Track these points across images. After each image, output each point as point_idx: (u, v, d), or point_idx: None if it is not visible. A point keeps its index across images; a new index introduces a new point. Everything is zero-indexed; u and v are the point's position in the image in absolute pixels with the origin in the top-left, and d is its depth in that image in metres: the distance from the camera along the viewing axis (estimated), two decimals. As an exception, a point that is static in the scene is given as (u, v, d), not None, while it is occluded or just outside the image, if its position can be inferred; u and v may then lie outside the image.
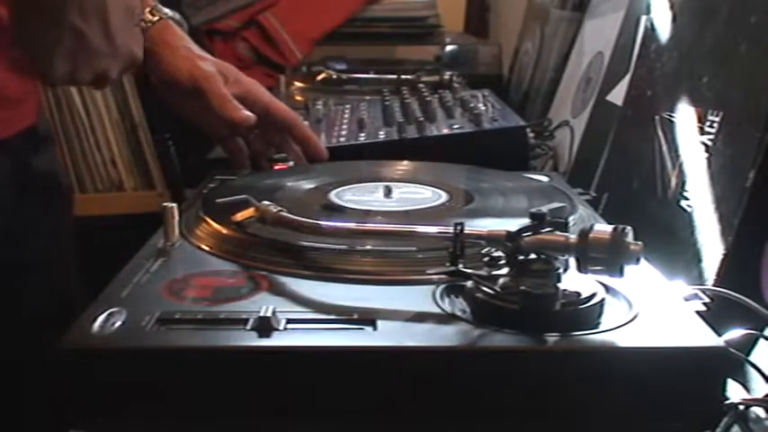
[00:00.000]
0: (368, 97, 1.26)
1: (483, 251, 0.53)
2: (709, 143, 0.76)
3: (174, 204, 0.65)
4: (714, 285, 0.66)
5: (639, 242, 0.50)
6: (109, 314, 0.51)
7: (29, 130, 0.83)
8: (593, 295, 0.52)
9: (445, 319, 0.52)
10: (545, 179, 0.86)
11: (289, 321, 0.50)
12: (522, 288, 0.50)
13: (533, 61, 1.60)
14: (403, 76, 1.40)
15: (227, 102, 0.85)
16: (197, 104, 0.86)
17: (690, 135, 0.81)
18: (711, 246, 0.71)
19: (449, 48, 1.82)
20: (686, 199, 0.78)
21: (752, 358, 0.59)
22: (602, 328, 0.51)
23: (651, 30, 0.98)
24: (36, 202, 0.85)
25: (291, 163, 0.90)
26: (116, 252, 0.66)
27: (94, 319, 0.50)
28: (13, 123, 0.81)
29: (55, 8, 0.64)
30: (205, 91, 0.85)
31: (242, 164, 0.93)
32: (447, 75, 1.38)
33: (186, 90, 0.86)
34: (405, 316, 0.52)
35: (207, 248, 0.63)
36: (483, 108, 1.05)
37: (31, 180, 0.84)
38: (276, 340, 0.49)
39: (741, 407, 0.51)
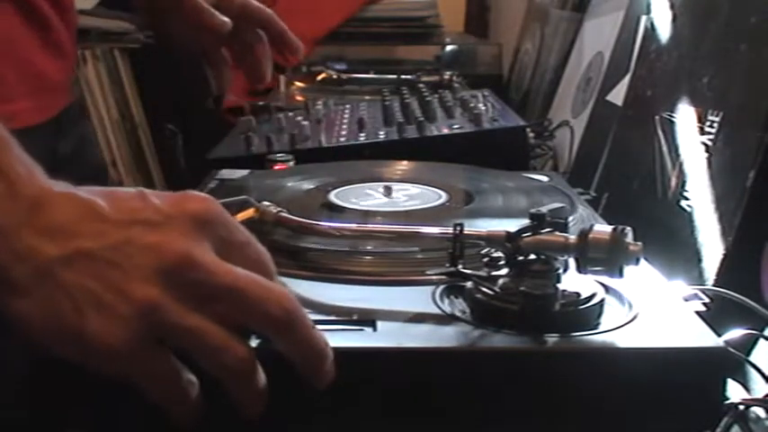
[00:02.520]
0: (368, 97, 1.26)
1: (483, 252, 0.53)
2: (709, 143, 0.76)
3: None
4: (714, 285, 0.66)
5: (639, 242, 0.50)
6: (109, 314, 0.50)
7: (66, 109, 0.86)
8: (593, 295, 0.52)
9: (445, 319, 0.52)
10: (545, 179, 0.86)
11: (288, 322, 0.50)
12: (522, 288, 0.50)
13: (533, 61, 1.60)
14: (403, 76, 1.40)
15: (203, 11, 0.90)
16: (176, 21, 0.93)
17: (690, 135, 0.81)
18: (711, 246, 0.71)
19: (449, 48, 1.82)
20: (686, 199, 0.78)
21: (752, 358, 0.59)
22: (601, 328, 0.51)
23: (651, 30, 0.98)
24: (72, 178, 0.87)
25: (291, 163, 0.90)
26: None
27: (94, 320, 0.50)
28: (56, 105, 0.83)
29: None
30: (181, 6, 0.91)
31: (225, 76, 0.99)
32: (447, 75, 1.38)
33: (165, 7, 0.93)
34: (405, 316, 0.52)
35: (207, 249, 0.63)
36: (483, 108, 1.05)
37: (66, 156, 0.86)
38: (276, 341, 0.49)
39: (741, 407, 0.51)
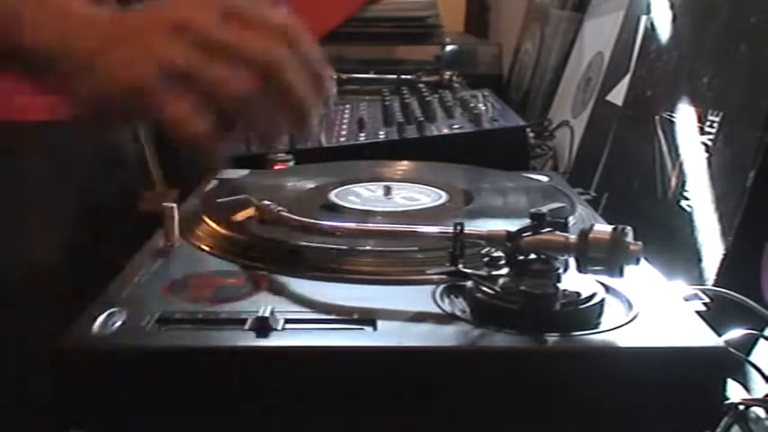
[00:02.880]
0: (368, 97, 1.26)
1: (483, 251, 0.53)
2: (709, 143, 0.76)
3: (174, 204, 0.65)
4: (714, 285, 0.66)
5: (639, 242, 0.50)
6: (109, 314, 0.51)
7: None
8: (593, 295, 0.52)
9: (445, 319, 0.52)
10: (545, 179, 0.86)
11: (288, 321, 0.50)
12: (522, 288, 0.50)
13: (533, 61, 1.60)
14: (403, 76, 1.40)
15: None
16: None
17: (690, 135, 0.81)
18: (711, 246, 0.71)
19: (449, 48, 1.82)
20: (686, 199, 0.78)
21: (752, 358, 0.59)
22: (602, 328, 0.51)
23: (651, 30, 0.98)
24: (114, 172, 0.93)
25: (291, 163, 0.90)
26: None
27: (94, 319, 0.50)
28: None
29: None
30: None
31: None
32: (447, 75, 1.38)
33: None
34: (405, 316, 0.52)
35: (207, 248, 0.63)
36: (483, 108, 1.05)
37: (110, 149, 0.92)
38: (273, 340, 0.49)
39: (741, 407, 0.51)
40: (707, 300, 0.59)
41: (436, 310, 0.53)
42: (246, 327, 0.50)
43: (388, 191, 0.75)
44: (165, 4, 0.56)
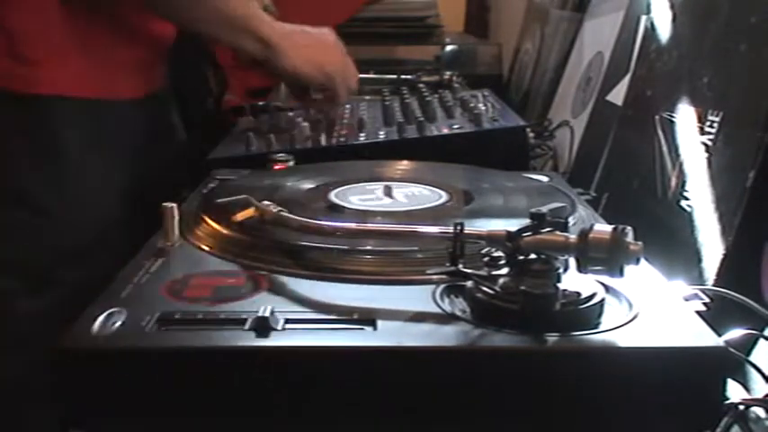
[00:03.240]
0: (368, 97, 1.26)
1: (483, 251, 0.53)
2: (710, 143, 0.76)
3: (174, 204, 0.65)
4: (714, 285, 0.66)
5: (639, 242, 0.50)
6: (109, 314, 0.51)
7: (159, 91, 1.04)
8: (594, 295, 0.52)
9: (445, 319, 0.52)
10: (545, 179, 0.86)
11: (288, 321, 0.50)
12: (522, 288, 0.50)
13: (533, 61, 1.60)
14: (403, 76, 1.40)
15: None
16: None
17: (690, 135, 0.81)
18: (711, 246, 0.71)
19: (449, 48, 1.82)
20: (686, 199, 0.78)
21: (752, 358, 0.59)
22: (602, 328, 0.51)
23: (651, 30, 0.98)
24: (162, 152, 1.03)
25: (291, 163, 0.90)
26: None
27: (94, 319, 0.50)
28: (153, 84, 1.01)
29: None
30: None
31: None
32: (447, 75, 1.38)
33: None
34: (405, 316, 0.52)
35: (207, 248, 0.63)
36: (483, 108, 1.05)
37: (160, 132, 1.04)
38: (274, 340, 0.49)
39: (741, 407, 0.51)
40: (707, 300, 0.59)
41: (436, 310, 0.53)
42: (246, 327, 0.50)
43: (388, 191, 0.75)
44: (323, 30, 1.05)
